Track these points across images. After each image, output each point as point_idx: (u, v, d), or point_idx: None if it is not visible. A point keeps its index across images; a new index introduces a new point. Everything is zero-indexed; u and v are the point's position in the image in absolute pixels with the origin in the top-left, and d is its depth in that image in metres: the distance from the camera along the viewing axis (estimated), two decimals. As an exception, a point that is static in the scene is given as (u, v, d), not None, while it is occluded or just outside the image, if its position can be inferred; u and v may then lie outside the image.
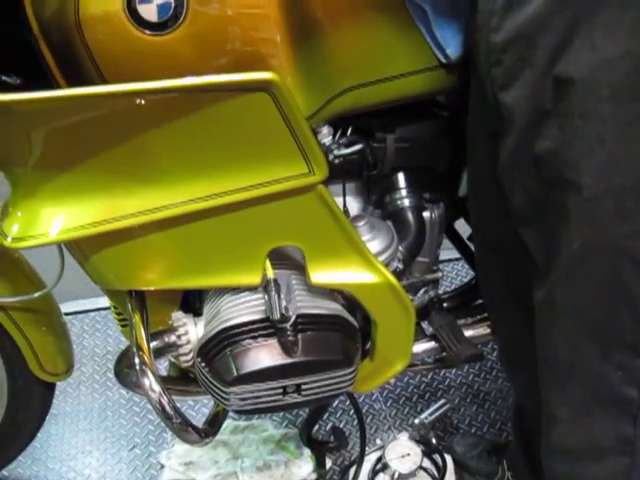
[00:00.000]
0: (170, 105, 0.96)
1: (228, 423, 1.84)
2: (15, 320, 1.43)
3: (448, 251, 1.93)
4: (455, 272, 2.33)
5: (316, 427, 1.81)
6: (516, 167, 1.06)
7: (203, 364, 1.14)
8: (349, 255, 1.16)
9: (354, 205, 1.34)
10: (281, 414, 1.88)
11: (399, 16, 1.13)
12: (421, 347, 1.49)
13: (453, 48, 1.17)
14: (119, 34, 1.00)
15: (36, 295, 1.36)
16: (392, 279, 1.20)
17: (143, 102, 0.93)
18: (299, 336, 1.13)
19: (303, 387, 1.14)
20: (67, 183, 1.03)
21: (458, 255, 1.70)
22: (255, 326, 1.12)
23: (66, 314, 2.08)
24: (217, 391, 1.13)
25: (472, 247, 1.47)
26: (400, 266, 1.30)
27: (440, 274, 1.48)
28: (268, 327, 1.12)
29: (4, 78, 1.10)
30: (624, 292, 1.03)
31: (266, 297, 1.12)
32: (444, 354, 1.50)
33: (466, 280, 1.75)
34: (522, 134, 1.01)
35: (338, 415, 1.87)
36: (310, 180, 1.05)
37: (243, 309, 1.15)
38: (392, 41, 1.14)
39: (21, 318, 1.44)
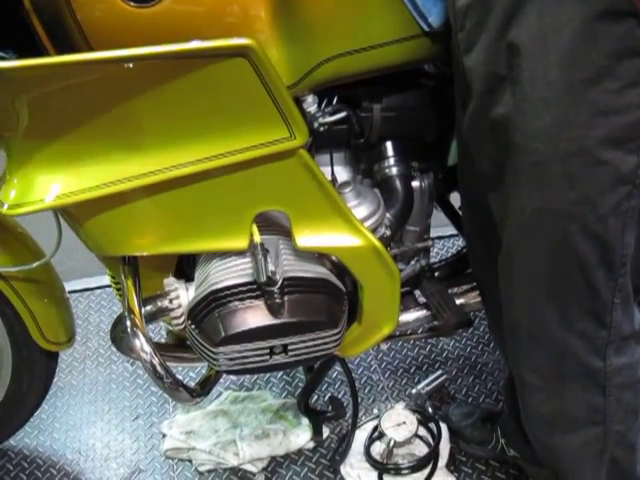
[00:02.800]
0: (153, 72, 0.99)
1: (228, 394, 1.88)
2: (17, 290, 1.47)
3: (443, 228, 1.97)
4: (455, 248, 2.35)
5: (314, 397, 1.84)
6: (477, 132, 1.09)
7: (193, 326, 1.17)
8: (334, 219, 1.19)
9: (342, 174, 1.37)
10: (280, 385, 1.91)
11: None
12: (413, 315, 1.52)
13: (435, 16, 1.19)
14: (106, 6, 1.04)
15: (35, 265, 1.40)
16: (377, 243, 1.22)
17: (130, 66, 0.95)
18: (285, 298, 1.16)
19: (290, 347, 1.17)
20: (60, 150, 1.07)
21: (453, 232, 1.72)
22: (243, 289, 1.16)
23: (73, 292, 2.15)
24: (206, 352, 1.17)
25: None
26: (388, 232, 1.33)
27: (431, 242, 1.51)
28: (255, 290, 1.16)
29: (0, 54, 1.14)
30: (576, 258, 1.05)
31: (253, 261, 1.15)
32: (435, 322, 1.53)
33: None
34: (480, 99, 1.04)
35: (337, 386, 1.91)
36: (291, 144, 1.08)
37: (231, 272, 1.18)
38: (373, 10, 1.17)
39: (23, 288, 1.48)
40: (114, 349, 1.30)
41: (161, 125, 1.05)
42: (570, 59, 0.93)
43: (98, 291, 2.32)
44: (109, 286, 2.20)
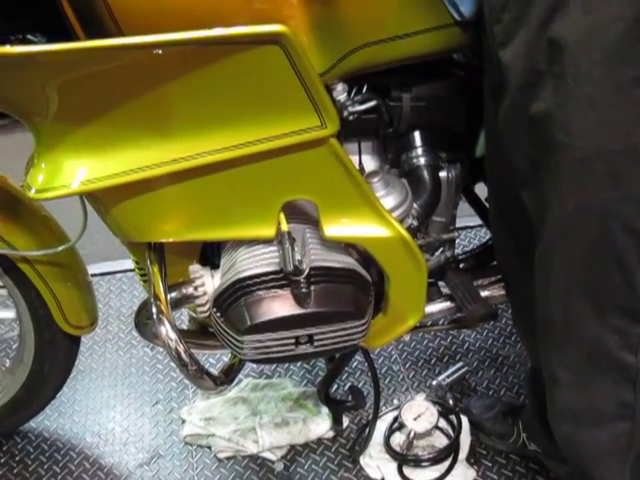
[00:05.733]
0: (185, 58, 0.98)
1: (248, 381, 1.88)
2: (41, 273, 1.48)
3: (468, 218, 1.95)
4: (477, 238, 2.34)
5: (335, 387, 1.84)
6: (513, 127, 1.07)
7: (218, 314, 1.17)
8: (362, 209, 1.18)
9: (370, 163, 1.36)
10: (300, 373, 1.91)
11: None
12: (437, 307, 1.51)
13: (467, 6, 1.17)
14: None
15: (60, 249, 1.40)
16: (405, 233, 1.21)
17: (160, 52, 0.95)
18: (312, 288, 1.15)
19: (315, 338, 1.17)
20: (88, 135, 1.06)
21: (479, 222, 1.71)
22: (269, 277, 1.15)
23: (94, 275, 2.15)
24: (232, 340, 1.16)
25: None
26: (415, 223, 1.32)
27: (456, 234, 1.49)
28: (282, 279, 1.15)
29: (29, 37, 1.14)
30: (616, 256, 1.04)
31: (280, 250, 1.14)
32: (460, 315, 1.52)
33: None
34: (518, 93, 1.02)
35: (357, 375, 1.90)
36: (322, 133, 1.07)
37: (258, 261, 1.17)
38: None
39: (47, 272, 1.48)
40: (134, 333, 1.31)
41: (190, 111, 1.04)
42: (618, 57, 0.91)
43: (119, 275, 2.32)
44: (130, 270, 2.23)
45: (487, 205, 1.57)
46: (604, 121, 0.95)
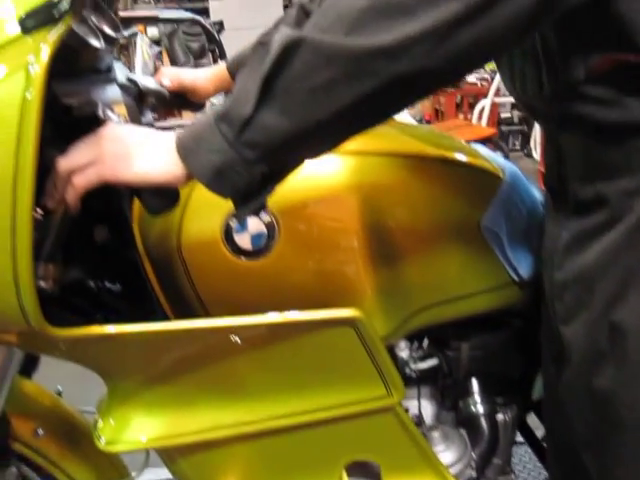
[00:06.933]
0: (262, 333, 1.04)
1: None
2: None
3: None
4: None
5: None
6: (576, 395, 1.09)
7: None
8: (423, 470, 1.19)
9: (428, 409, 1.38)
10: None
11: (474, 239, 1.21)
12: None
13: (525, 268, 1.23)
14: (217, 260, 1.11)
15: (119, 484, 1.42)
16: (463, 493, 1.22)
17: (236, 339, 1.01)
18: None
19: None
20: (163, 395, 1.11)
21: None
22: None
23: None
24: None
25: (544, 444, 1.47)
26: (474, 474, 1.32)
27: (512, 476, 1.48)
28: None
29: (108, 285, 1.21)
30: None
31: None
32: None
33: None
34: (580, 367, 1.05)
35: None
36: (388, 402, 1.10)
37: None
38: (467, 261, 1.22)
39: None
40: None
41: (263, 379, 1.09)
42: None
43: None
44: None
45: (543, 444, 1.58)
46: None
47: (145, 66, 4.15)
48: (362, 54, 0.75)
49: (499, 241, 1.21)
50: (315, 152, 0.88)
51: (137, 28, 3.48)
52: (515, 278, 1.23)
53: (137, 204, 1.15)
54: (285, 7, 6.89)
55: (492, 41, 0.78)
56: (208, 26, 2.66)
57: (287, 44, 0.78)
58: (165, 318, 1.16)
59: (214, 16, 5.72)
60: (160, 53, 4.82)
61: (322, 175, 1.13)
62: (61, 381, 1.56)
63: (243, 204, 0.88)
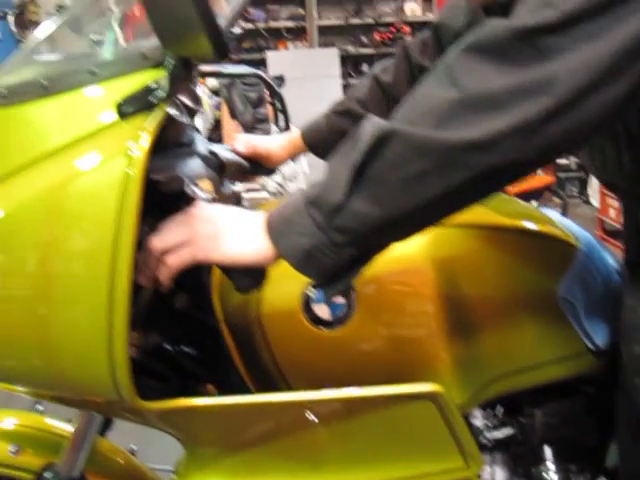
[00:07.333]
0: (338, 407, 1.06)
1: None
2: None
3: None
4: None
5: None
6: None
7: None
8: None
9: (501, 476, 1.37)
10: None
11: (550, 308, 1.21)
12: None
13: (601, 337, 1.23)
14: (295, 329, 1.13)
15: None
16: None
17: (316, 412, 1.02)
18: None
19: None
20: (238, 464, 1.13)
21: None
22: None
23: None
24: None
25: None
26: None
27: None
28: None
29: (185, 349, 1.24)
30: None
31: None
32: None
33: None
34: None
35: None
36: (465, 474, 1.11)
37: None
38: (542, 331, 1.22)
39: None
40: None
41: (339, 451, 1.11)
42: None
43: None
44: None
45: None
46: None
47: (205, 117, 4.24)
48: (453, 147, 0.78)
49: (575, 311, 1.21)
50: (402, 236, 0.90)
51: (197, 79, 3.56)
52: (591, 347, 1.23)
53: (216, 272, 1.18)
54: (342, 59, 6.98)
55: (581, 132, 0.79)
56: (270, 80, 2.71)
57: (378, 135, 0.80)
58: (242, 383, 1.18)
59: (272, 68, 5.83)
60: (219, 103, 4.93)
61: (399, 246, 1.15)
62: (133, 439, 1.59)
63: (330, 285, 0.90)
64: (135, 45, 0.98)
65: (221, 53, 0.80)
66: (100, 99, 0.95)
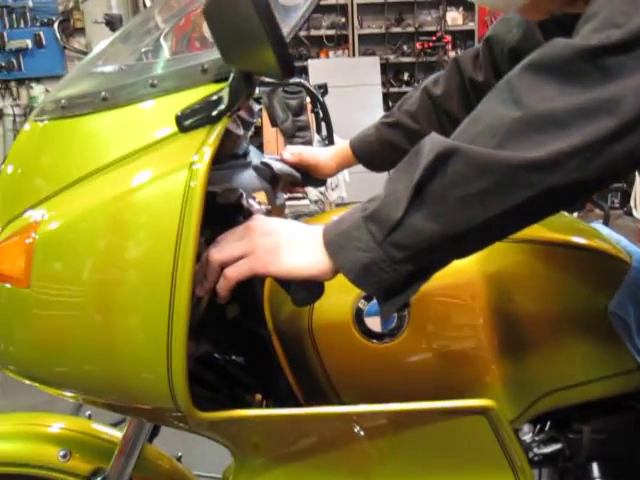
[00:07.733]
0: (389, 420, 1.06)
1: None
2: None
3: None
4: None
5: None
6: None
7: None
8: None
9: (548, 490, 1.37)
10: None
11: (601, 325, 1.20)
12: None
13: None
14: (347, 341, 1.14)
15: None
16: None
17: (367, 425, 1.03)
18: None
19: None
20: (286, 474, 1.14)
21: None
22: None
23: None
24: None
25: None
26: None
27: None
28: None
29: (235, 358, 1.25)
30: None
31: None
32: None
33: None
34: None
35: None
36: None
37: None
38: (593, 347, 1.21)
39: None
40: None
41: (388, 464, 1.11)
42: None
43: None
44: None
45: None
46: None
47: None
48: (515, 167, 0.78)
49: (626, 327, 1.20)
50: (460, 254, 0.91)
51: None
52: (641, 363, 1.22)
53: (268, 282, 1.19)
54: (382, 67, 6.99)
55: None
56: (313, 89, 2.72)
57: (439, 152, 0.80)
58: (290, 393, 1.19)
59: (313, 76, 5.86)
60: (260, 110, 4.97)
61: (451, 260, 1.15)
62: (180, 445, 1.61)
63: (386, 300, 0.90)
64: (195, 58, 1.00)
65: (286, 70, 0.81)
66: (159, 112, 0.96)
